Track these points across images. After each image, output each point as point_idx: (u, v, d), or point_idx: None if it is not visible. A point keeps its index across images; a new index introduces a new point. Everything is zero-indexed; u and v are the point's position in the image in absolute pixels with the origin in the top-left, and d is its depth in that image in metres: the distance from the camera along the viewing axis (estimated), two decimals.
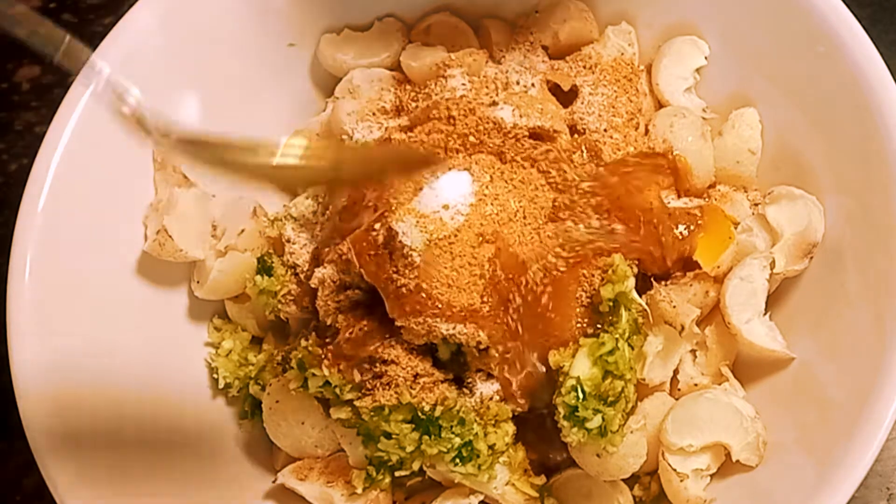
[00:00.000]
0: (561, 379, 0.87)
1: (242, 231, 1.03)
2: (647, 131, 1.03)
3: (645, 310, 0.90)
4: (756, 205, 1.01)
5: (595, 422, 0.85)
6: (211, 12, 1.07)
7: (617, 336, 0.87)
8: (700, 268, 0.95)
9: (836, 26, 0.96)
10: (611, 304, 0.88)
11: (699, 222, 0.96)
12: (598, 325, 0.89)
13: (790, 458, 0.89)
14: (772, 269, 0.95)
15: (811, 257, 0.96)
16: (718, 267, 0.96)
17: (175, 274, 1.04)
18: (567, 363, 0.87)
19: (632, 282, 0.89)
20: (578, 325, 0.89)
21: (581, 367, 0.86)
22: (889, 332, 0.87)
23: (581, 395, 0.85)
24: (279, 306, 0.99)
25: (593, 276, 0.90)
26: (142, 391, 0.98)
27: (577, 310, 0.90)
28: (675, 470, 0.90)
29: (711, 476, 0.93)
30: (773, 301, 0.97)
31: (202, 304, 1.06)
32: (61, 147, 0.98)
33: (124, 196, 1.02)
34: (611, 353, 0.86)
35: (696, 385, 0.95)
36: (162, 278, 1.04)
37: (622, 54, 1.06)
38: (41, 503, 0.92)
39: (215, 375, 1.04)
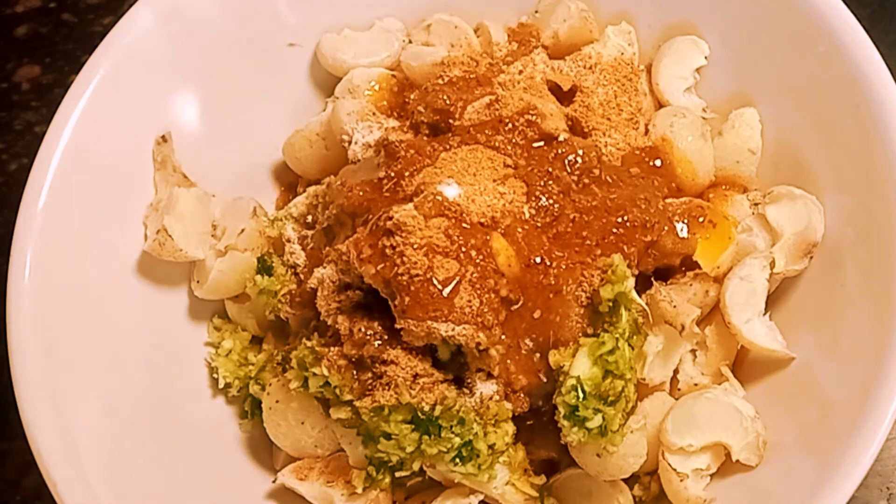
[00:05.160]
0: (561, 379, 0.87)
1: (242, 231, 1.03)
2: (647, 131, 1.03)
3: (645, 310, 0.90)
4: (756, 204, 1.01)
5: (595, 421, 0.85)
6: (211, 12, 1.07)
7: (617, 336, 0.87)
8: (700, 268, 0.95)
9: (836, 26, 0.96)
10: (610, 304, 0.88)
11: (700, 222, 0.96)
12: (599, 325, 0.89)
13: (790, 458, 0.89)
14: (772, 268, 0.95)
15: (811, 257, 0.96)
16: (718, 267, 0.96)
17: (175, 274, 1.04)
18: (567, 363, 0.87)
19: (631, 282, 0.89)
20: (578, 325, 0.89)
21: (581, 367, 0.86)
22: (889, 332, 0.87)
23: (581, 395, 0.85)
24: (279, 306, 0.99)
25: (593, 276, 0.90)
26: (142, 391, 0.98)
27: (577, 310, 0.90)
28: (675, 470, 0.90)
29: (711, 476, 0.93)
30: (773, 301, 0.98)
31: (202, 303, 1.06)
32: (61, 147, 0.98)
33: (124, 196, 1.02)
34: (611, 352, 0.86)
35: (696, 385, 0.95)
36: (162, 278, 1.03)
37: (622, 54, 1.06)
38: (41, 503, 0.92)
39: (215, 375, 1.04)
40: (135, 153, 1.03)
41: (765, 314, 0.95)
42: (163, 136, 1.04)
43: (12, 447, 1.14)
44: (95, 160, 1.00)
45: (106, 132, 1.01)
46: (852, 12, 0.96)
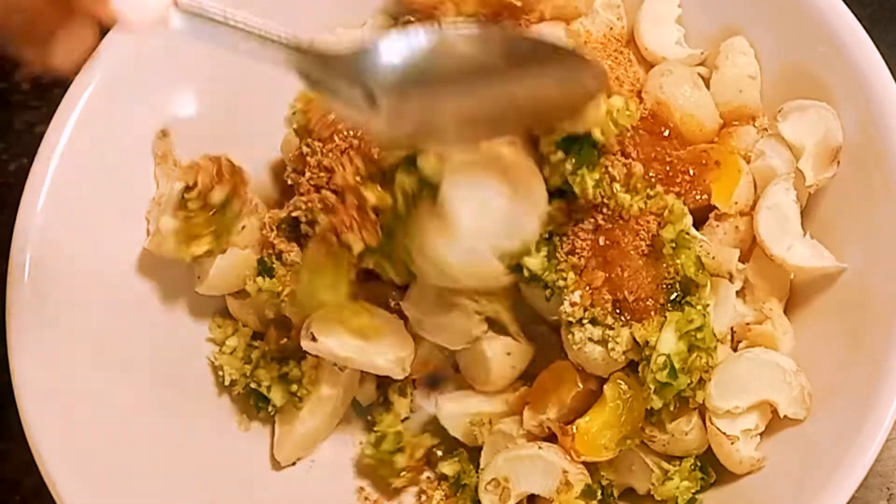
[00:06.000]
0: (647, 353, 0.87)
1: (243, 228, 1.03)
2: (641, 100, 1.02)
3: (706, 244, 0.89)
4: (764, 129, 0.99)
5: (686, 394, 0.87)
6: None
7: (703, 311, 0.87)
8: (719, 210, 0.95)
9: (836, 26, 0.96)
10: (673, 245, 0.88)
11: (705, 166, 0.95)
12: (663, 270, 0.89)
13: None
14: (803, 184, 0.93)
15: (838, 162, 0.93)
16: (736, 203, 0.94)
17: (176, 271, 1.04)
18: (654, 338, 0.87)
19: (689, 219, 0.89)
20: (648, 279, 0.88)
21: (668, 343, 0.86)
22: None
23: (672, 372, 0.86)
24: (282, 306, 0.99)
25: (648, 222, 0.89)
26: (143, 389, 0.97)
27: (640, 261, 0.89)
28: (724, 433, 0.89)
29: (761, 434, 0.92)
30: (807, 216, 0.96)
31: (204, 300, 1.04)
32: (61, 147, 0.97)
33: (124, 195, 1.01)
34: (699, 329, 0.86)
35: (748, 324, 0.94)
36: (163, 276, 1.02)
37: (611, 29, 1.06)
38: (41, 503, 0.91)
39: (220, 373, 1.02)
40: (135, 153, 1.03)
41: (804, 235, 0.94)
42: (163, 131, 1.04)
43: (12, 447, 1.13)
44: (95, 160, 0.99)
45: (106, 132, 1.00)
46: (852, 12, 0.96)
